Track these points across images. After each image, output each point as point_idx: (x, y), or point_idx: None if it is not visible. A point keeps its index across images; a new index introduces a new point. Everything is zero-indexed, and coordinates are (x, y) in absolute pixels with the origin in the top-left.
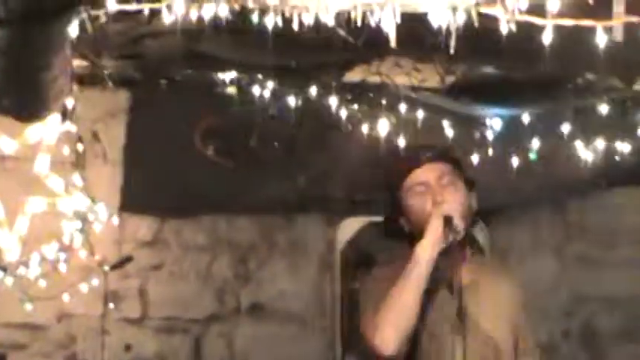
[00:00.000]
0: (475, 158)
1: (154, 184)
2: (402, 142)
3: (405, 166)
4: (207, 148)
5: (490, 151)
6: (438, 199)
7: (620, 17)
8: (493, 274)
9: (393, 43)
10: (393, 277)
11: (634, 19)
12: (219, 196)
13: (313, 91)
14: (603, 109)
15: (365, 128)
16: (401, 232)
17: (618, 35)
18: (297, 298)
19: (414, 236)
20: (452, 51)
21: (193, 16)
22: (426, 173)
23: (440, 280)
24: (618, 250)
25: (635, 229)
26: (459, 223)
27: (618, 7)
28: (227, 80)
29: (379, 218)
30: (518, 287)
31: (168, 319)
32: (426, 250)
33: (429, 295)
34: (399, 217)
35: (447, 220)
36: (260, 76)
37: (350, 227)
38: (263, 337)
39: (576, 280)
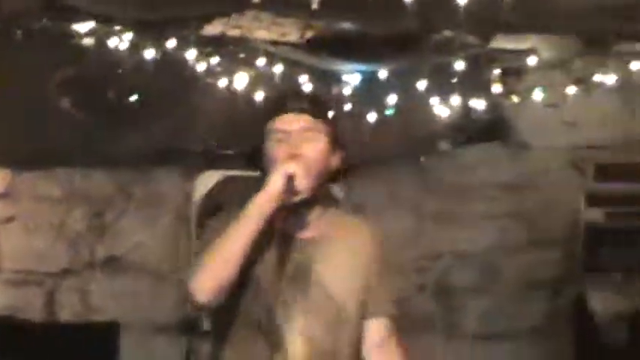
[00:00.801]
0: (332, 114)
1: (8, 135)
2: (259, 96)
3: (274, 108)
4: (63, 100)
5: (347, 107)
6: (293, 150)
7: None
8: (348, 231)
9: None
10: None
11: None
12: (75, 149)
13: (171, 44)
14: (459, 65)
15: (223, 82)
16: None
17: None
18: (152, 251)
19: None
20: (314, 6)
21: None
22: (291, 122)
23: (281, 235)
24: (472, 205)
25: (489, 184)
26: (301, 184)
27: None
28: (84, 32)
29: (236, 172)
30: (376, 246)
31: (21, 272)
32: (259, 204)
33: (265, 247)
34: (262, 156)
35: (290, 179)
36: (118, 28)
37: (207, 180)
38: (118, 291)
39: (432, 236)
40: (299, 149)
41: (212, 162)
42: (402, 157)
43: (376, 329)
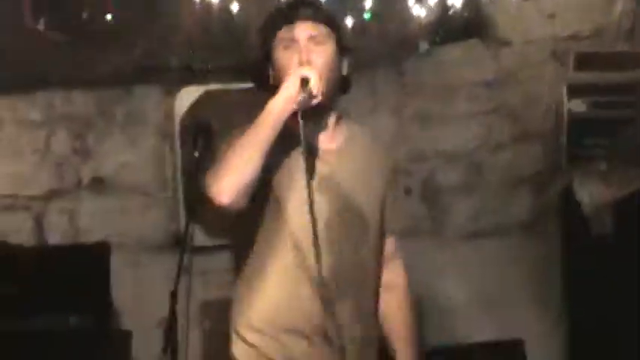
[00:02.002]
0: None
1: None
2: (235, 7)
3: (279, 18)
4: (38, 22)
5: None
6: (303, 58)
7: None
8: (363, 143)
9: None
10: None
11: None
12: (53, 71)
13: None
14: None
15: None
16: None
17: None
18: (138, 170)
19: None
20: None
21: None
22: (298, 30)
23: (299, 143)
24: (455, 105)
25: (470, 83)
26: (316, 87)
27: None
28: None
29: (217, 86)
30: (390, 158)
31: (6, 196)
32: (276, 104)
33: (284, 158)
34: (268, 68)
35: (304, 81)
36: None
37: (188, 96)
38: (106, 211)
39: (415, 138)
40: (309, 56)
41: (192, 77)
42: (382, 60)
43: (386, 246)
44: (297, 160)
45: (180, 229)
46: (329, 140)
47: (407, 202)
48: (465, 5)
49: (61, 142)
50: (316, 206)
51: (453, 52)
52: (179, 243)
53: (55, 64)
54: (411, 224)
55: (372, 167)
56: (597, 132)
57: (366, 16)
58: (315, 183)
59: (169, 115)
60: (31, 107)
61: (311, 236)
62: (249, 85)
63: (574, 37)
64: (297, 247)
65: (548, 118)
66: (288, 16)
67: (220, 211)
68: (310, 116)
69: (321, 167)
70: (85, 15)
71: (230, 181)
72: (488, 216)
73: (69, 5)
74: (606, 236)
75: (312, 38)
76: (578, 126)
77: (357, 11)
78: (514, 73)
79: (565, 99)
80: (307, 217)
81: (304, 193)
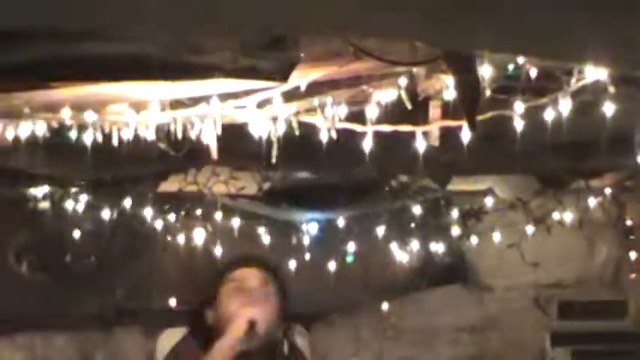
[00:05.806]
0: (292, 263)
1: None
2: (218, 250)
3: (230, 265)
4: (21, 265)
5: (307, 256)
6: (248, 301)
7: (436, 121)
8: None
9: (214, 155)
10: None
11: (449, 123)
12: (35, 314)
13: (128, 202)
14: (417, 210)
15: (182, 238)
16: (203, 329)
17: (434, 139)
18: None
19: (212, 332)
20: (273, 160)
21: (9, 135)
22: (246, 276)
23: None
24: (437, 350)
25: (452, 328)
26: (262, 329)
27: (434, 111)
28: (40, 195)
29: None
30: None
31: None
32: (224, 346)
33: None
34: (207, 309)
35: (251, 324)
36: (74, 190)
37: (169, 338)
38: None
39: None
40: (254, 300)
41: (173, 319)
42: (364, 303)
43: None
44: None
45: None
46: None
47: None
48: (447, 251)
49: None
50: None
51: (435, 296)
52: None
53: (37, 307)
54: None
55: None
56: None
57: (349, 259)
58: None
59: (150, 357)
60: (12, 350)
61: None
62: None
63: (557, 285)
64: None
65: None
66: (239, 263)
67: None
68: (253, 354)
69: None
70: (67, 257)
71: None
72: None
73: (51, 248)
74: None
75: (259, 285)
76: None
77: (340, 255)
78: (496, 320)
79: (548, 347)
80: None
81: None
